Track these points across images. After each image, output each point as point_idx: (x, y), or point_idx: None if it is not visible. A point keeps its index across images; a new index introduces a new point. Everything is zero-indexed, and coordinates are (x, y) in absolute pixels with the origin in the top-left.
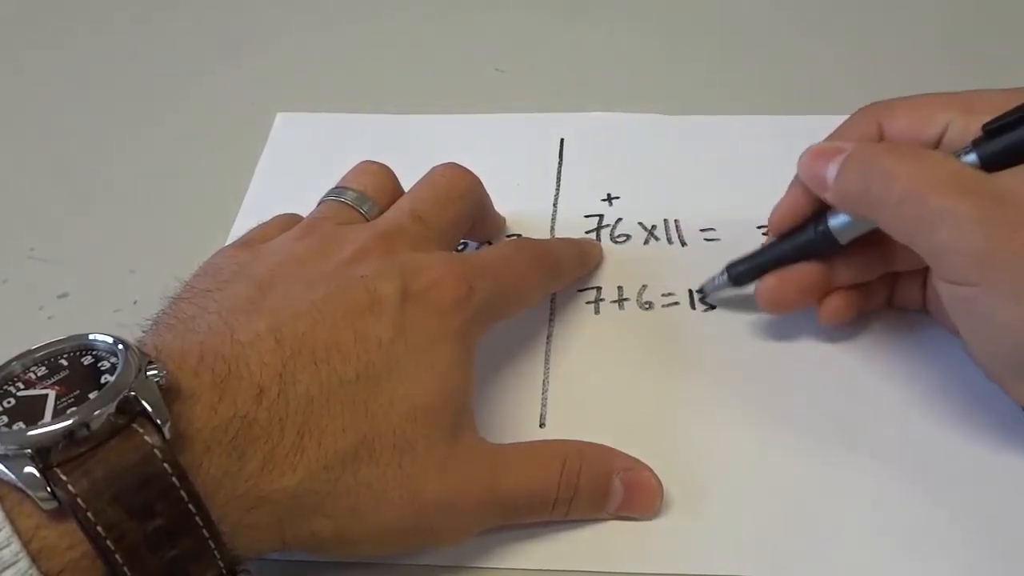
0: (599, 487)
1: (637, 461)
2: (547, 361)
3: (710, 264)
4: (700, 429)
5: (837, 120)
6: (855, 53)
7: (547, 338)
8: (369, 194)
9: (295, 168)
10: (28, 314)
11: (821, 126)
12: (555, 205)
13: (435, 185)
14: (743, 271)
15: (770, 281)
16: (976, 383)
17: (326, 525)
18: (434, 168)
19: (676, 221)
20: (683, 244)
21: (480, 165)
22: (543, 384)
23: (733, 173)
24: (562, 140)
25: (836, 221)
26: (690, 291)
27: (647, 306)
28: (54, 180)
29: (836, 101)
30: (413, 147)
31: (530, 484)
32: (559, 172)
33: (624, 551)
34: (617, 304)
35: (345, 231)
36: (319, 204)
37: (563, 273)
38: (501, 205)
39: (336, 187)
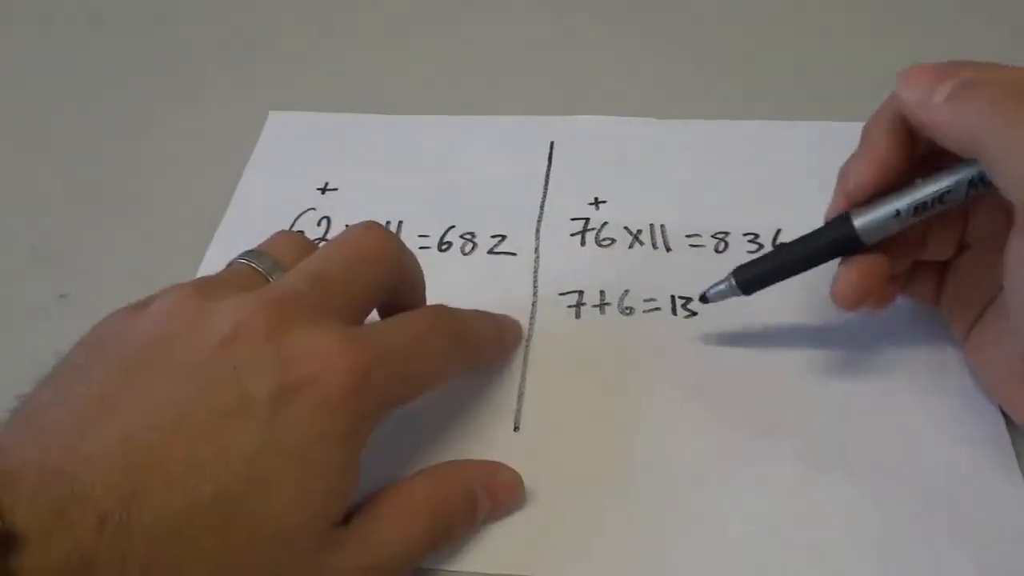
0: (467, 509)
1: (489, 464)
2: (525, 365)
3: (694, 270)
4: (677, 437)
5: (828, 126)
6: (848, 58)
7: (526, 341)
8: (286, 265)
9: (286, 167)
10: (28, 314)
11: (812, 132)
12: (542, 207)
13: (345, 246)
14: (753, 277)
15: (850, 275)
16: (959, 401)
17: None
18: (350, 227)
19: (662, 226)
20: (668, 249)
21: (469, 166)
22: (519, 387)
23: (722, 178)
24: (552, 143)
25: (862, 221)
26: (672, 297)
27: (628, 311)
28: (54, 180)
29: (828, 107)
30: (403, 147)
31: (408, 548)
32: (547, 175)
33: (600, 564)
34: (598, 308)
35: (232, 302)
36: (229, 264)
37: (480, 354)
38: (488, 207)
39: (253, 251)
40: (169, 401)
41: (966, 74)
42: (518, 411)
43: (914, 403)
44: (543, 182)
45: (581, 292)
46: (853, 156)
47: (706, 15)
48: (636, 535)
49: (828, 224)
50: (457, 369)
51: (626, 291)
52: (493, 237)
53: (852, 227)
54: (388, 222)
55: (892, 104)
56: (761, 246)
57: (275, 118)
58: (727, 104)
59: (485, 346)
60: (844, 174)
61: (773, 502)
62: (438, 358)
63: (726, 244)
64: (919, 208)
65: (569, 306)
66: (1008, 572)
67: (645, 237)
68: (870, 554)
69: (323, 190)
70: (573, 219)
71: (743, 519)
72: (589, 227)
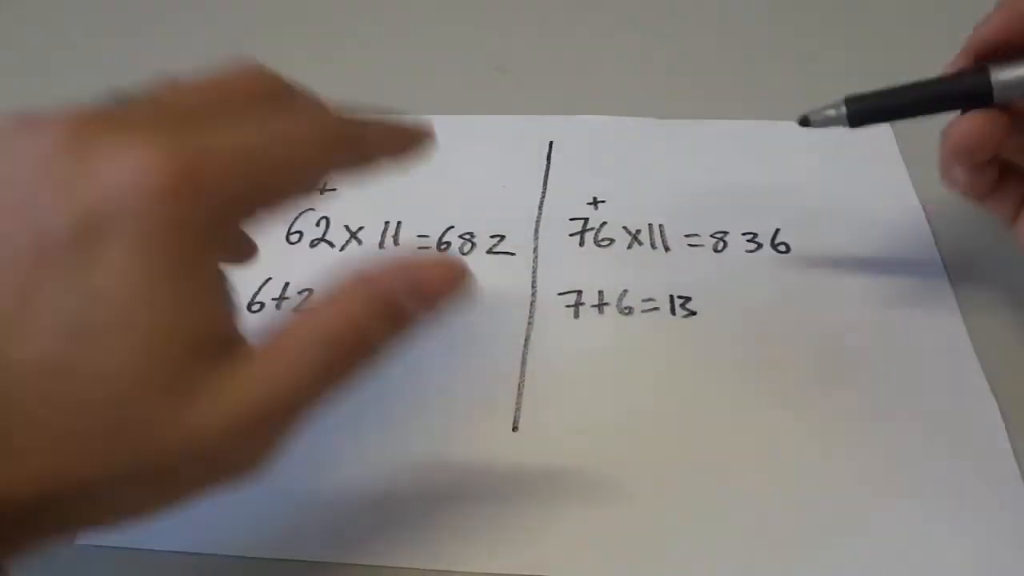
0: (386, 321)
1: (413, 260)
2: (523, 364)
3: (692, 270)
4: (675, 436)
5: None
6: (847, 58)
7: (524, 341)
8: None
9: None
10: None
11: (810, 132)
12: (540, 207)
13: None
14: (866, 109)
15: (975, 121)
16: (955, 401)
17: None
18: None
19: (661, 226)
20: (667, 249)
21: (468, 166)
22: (518, 387)
23: (720, 178)
24: (551, 143)
25: (1001, 74)
26: (671, 296)
27: (627, 311)
28: None
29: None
30: None
31: (294, 382)
32: (546, 174)
33: (599, 563)
34: (597, 308)
35: (56, 118)
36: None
37: (365, 154)
38: (487, 207)
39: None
40: None
41: None
42: (517, 411)
43: (912, 404)
44: (542, 182)
45: (580, 292)
46: (988, 14)
47: (706, 15)
48: (636, 534)
49: (961, 71)
50: (330, 172)
51: (625, 291)
52: (492, 237)
53: (988, 79)
54: (387, 222)
55: None
56: (760, 245)
57: None
58: (727, 104)
59: (372, 142)
60: (975, 28)
61: (772, 502)
62: (303, 157)
63: (725, 243)
64: None
65: (567, 306)
66: (1004, 570)
67: (644, 237)
68: (869, 553)
69: (321, 190)
70: (572, 219)
71: (743, 518)
72: (588, 227)
